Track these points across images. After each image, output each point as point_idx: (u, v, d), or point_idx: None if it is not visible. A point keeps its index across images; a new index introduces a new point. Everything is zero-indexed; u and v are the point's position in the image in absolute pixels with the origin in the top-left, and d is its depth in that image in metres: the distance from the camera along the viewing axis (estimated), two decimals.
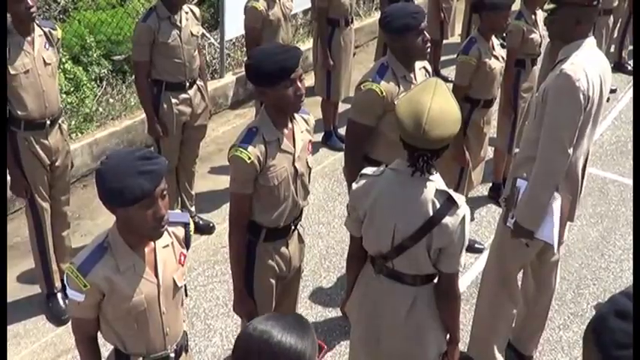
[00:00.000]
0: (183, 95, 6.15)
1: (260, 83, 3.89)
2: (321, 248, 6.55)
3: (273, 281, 4.26)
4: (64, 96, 7.32)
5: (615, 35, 10.59)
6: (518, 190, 4.52)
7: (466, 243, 3.49)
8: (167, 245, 3.27)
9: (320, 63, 8.03)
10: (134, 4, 9.24)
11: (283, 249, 4.25)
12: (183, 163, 6.51)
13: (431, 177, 3.44)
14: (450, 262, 3.49)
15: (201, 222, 6.70)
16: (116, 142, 7.68)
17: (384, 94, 4.63)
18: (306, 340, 2.27)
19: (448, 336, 3.77)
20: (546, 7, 4.53)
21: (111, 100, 8.12)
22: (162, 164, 2.98)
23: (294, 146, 4.04)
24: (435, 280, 3.67)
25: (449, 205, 3.41)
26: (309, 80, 8.49)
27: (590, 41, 4.40)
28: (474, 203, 7.26)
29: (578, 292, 6.20)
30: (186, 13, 6.11)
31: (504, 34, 6.71)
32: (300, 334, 2.27)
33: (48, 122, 5.29)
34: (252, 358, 2.25)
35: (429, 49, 4.81)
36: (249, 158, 3.84)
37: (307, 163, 4.20)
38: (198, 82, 6.30)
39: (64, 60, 7.69)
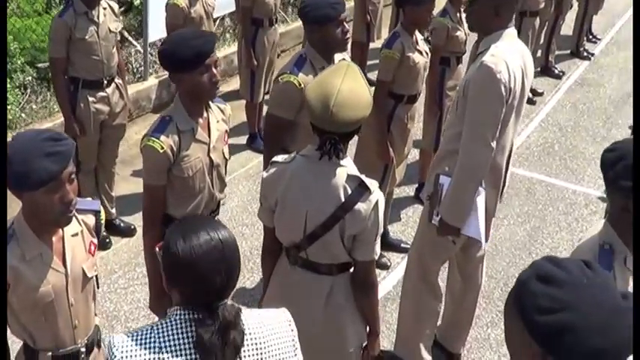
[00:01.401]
0: (101, 93, 5.97)
1: (175, 69, 3.80)
2: (245, 249, 6.42)
3: None
4: None
5: (542, 39, 10.67)
6: (442, 187, 4.42)
7: (381, 230, 3.39)
8: (76, 234, 3.14)
9: (244, 63, 7.95)
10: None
11: None
12: (102, 164, 6.32)
13: (342, 162, 3.33)
14: (366, 249, 3.39)
15: (122, 224, 6.52)
16: None
17: (302, 86, 4.51)
18: (228, 229, 2.44)
19: (368, 328, 3.67)
20: None
21: (34, 107, 7.93)
22: (69, 145, 2.87)
23: (210, 136, 3.94)
24: (352, 270, 3.56)
25: (361, 190, 3.30)
26: (235, 84, 8.40)
27: (510, 32, 4.34)
28: (401, 203, 7.25)
29: (505, 291, 6.15)
30: (104, 9, 5.96)
31: (430, 32, 6.68)
32: (223, 226, 2.43)
33: None
34: (201, 266, 2.32)
35: (348, 41, 4.75)
36: (162, 148, 3.74)
37: (223, 153, 4.09)
38: (116, 80, 6.13)
39: None
